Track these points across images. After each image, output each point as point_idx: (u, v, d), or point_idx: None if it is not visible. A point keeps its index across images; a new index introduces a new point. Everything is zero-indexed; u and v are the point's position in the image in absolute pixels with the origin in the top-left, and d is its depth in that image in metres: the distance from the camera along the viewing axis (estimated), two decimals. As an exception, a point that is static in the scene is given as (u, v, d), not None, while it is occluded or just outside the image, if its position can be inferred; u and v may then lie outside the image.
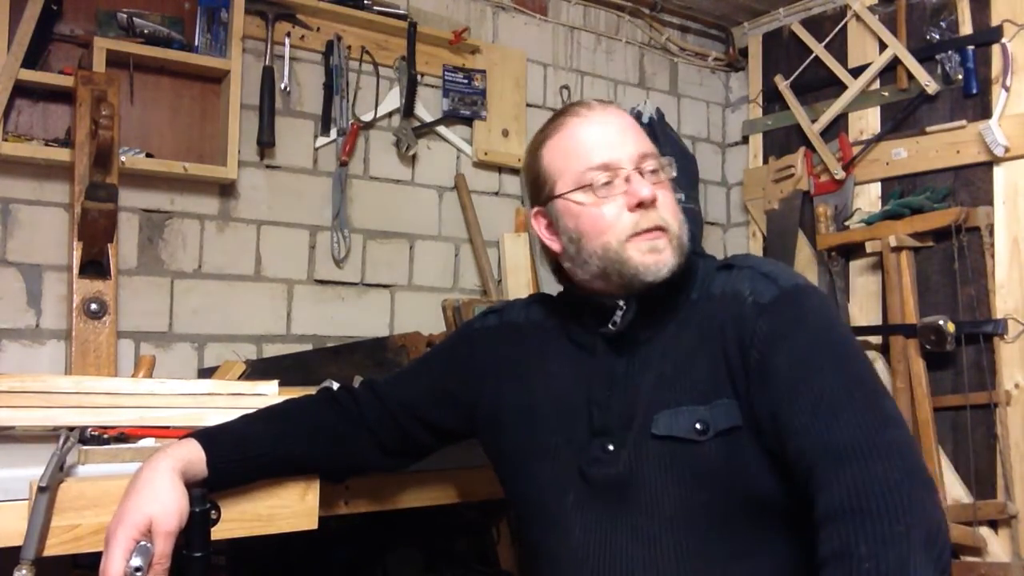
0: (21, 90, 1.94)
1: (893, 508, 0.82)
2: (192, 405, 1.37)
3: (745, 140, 3.21)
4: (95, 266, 1.89)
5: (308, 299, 2.36)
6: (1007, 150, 2.37)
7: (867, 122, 2.77)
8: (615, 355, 1.10)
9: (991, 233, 2.41)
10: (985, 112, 2.45)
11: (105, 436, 1.22)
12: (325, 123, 2.38)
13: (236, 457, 1.11)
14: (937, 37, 2.58)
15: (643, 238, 1.07)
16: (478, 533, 2.09)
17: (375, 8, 2.44)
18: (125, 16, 2.04)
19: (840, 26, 2.84)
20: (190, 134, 2.19)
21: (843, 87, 2.80)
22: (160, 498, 0.99)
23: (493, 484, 1.34)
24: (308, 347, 2.33)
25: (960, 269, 2.44)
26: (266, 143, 2.26)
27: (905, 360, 2.49)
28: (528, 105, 2.77)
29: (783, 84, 2.98)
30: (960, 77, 2.51)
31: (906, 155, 2.62)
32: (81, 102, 1.88)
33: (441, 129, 2.59)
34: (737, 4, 3.06)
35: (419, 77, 2.51)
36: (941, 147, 2.53)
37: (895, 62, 2.67)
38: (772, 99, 3.08)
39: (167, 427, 1.32)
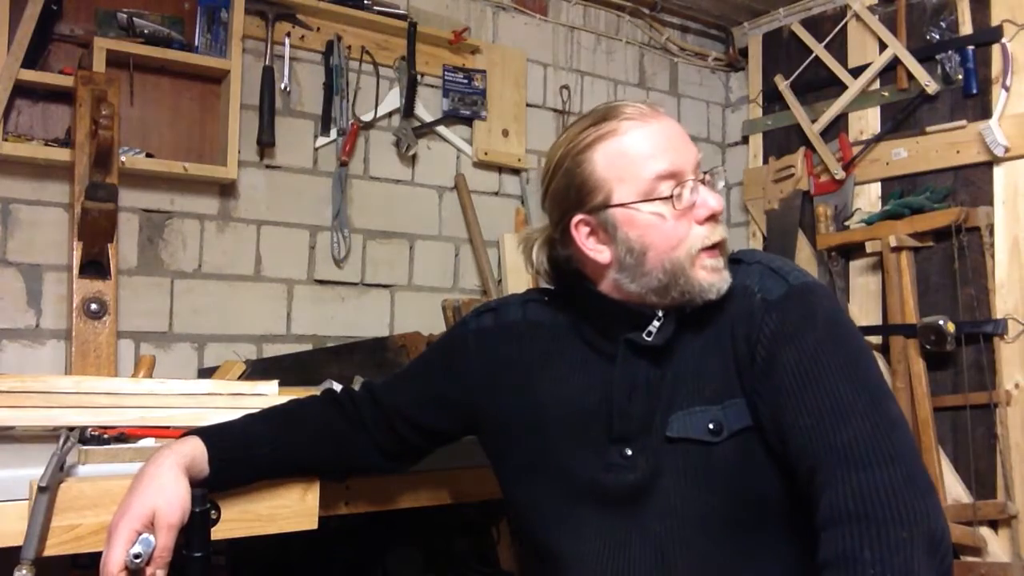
0: (21, 90, 1.94)
1: (897, 514, 0.82)
2: (192, 405, 1.37)
3: (745, 140, 3.21)
4: (95, 266, 1.89)
5: (308, 299, 2.36)
6: (1007, 150, 2.37)
7: (867, 122, 2.77)
8: (637, 361, 1.06)
9: (991, 233, 2.41)
10: (985, 112, 2.45)
11: (105, 436, 1.22)
12: (325, 123, 2.38)
13: (238, 456, 1.11)
14: (937, 37, 2.58)
15: (708, 255, 1.03)
16: (478, 533, 2.09)
17: (375, 8, 2.44)
18: (125, 16, 2.04)
19: (840, 26, 2.84)
20: (190, 134, 2.19)
21: (843, 87, 2.80)
22: (164, 491, 0.99)
23: (493, 484, 1.34)
24: (308, 347, 2.33)
25: (960, 269, 2.44)
26: (266, 143, 2.26)
27: (905, 360, 2.49)
28: (528, 105, 2.77)
29: (783, 84, 2.98)
30: (960, 77, 2.51)
31: (906, 155, 2.62)
32: (81, 102, 1.88)
33: (441, 129, 2.59)
34: (737, 4, 3.06)
35: (419, 77, 2.51)
36: (941, 147, 2.53)
37: (895, 62, 2.67)
38: (772, 99, 3.08)
39: (167, 427, 1.32)
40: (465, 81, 2.61)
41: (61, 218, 2.02)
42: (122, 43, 2.01)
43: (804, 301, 1.00)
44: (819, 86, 2.90)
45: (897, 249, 2.52)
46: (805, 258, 2.87)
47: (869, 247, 2.60)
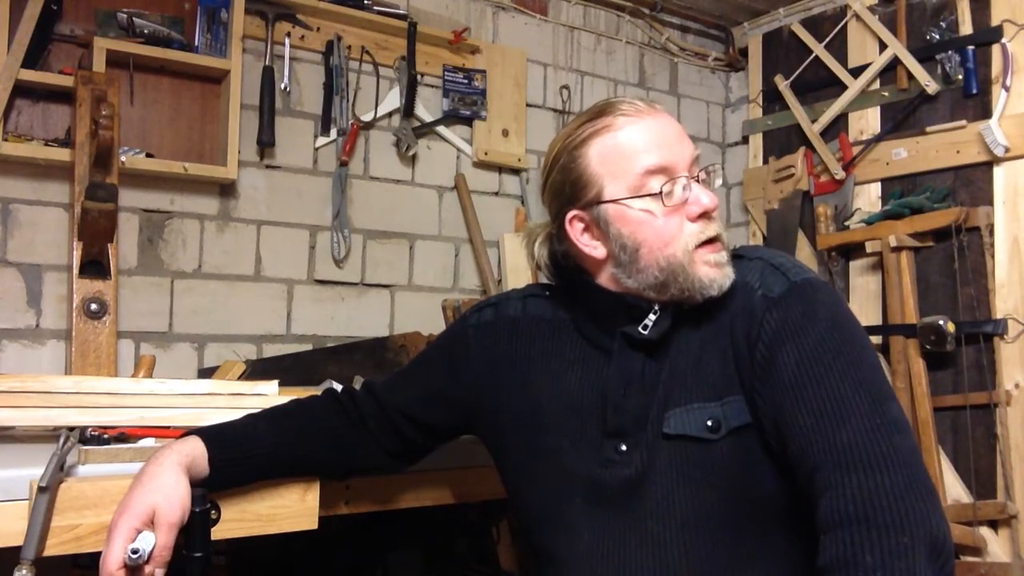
0: (21, 90, 1.94)
1: (899, 518, 0.81)
2: (192, 405, 1.37)
3: (745, 140, 3.21)
4: (95, 266, 1.89)
5: (308, 299, 2.36)
6: (1007, 150, 2.37)
7: (867, 122, 2.77)
8: (632, 355, 1.06)
9: (991, 233, 2.41)
10: (985, 112, 2.45)
11: (105, 436, 1.22)
12: (325, 123, 2.38)
13: (238, 456, 1.11)
14: (937, 37, 2.58)
15: (708, 249, 1.03)
16: (478, 533, 2.09)
17: (375, 8, 2.44)
18: (125, 16, 2.04)
19: (840, 26, 2.84)
20: (190, 134, 2.19)
21: (843, 87, 2.80)
22: (164, 490, 0.99)
23: (493, 484, 1.34)
24: (308, 347, 2.33)
25: (960, 269, 2.44)
26: (266, 143, 2.26)
27: (905, 360, 2.49)
28: (528, 105, 2.77)
29: (783, 84, 2.98)
30: (960, 77, 2.51)
31: (906, 155, 2.62)
32: (81, 102, 1.88)
33: (441, 129, 2.59)
34: (737, 4, 3.06)
35: (419, 77, 2.51)
36: (941, 147, 2.53)
37: (895, 62, 2.67)
38: (772, 99, 3.08)
39: (167, 427, 1.32)
40: (465, 81, 2.61)
41: (61, 218, 2.02)
42: (122, 43, 2.01)
43: (805, 298, 0.99)
44: (819, 86, 2.90)
45: (897, 249, 2.52)
46: (805, 258, 2.86)
47: (869, 247, 2.60)
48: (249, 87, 2.22)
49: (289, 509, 1.21)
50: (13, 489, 1.05)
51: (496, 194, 2.71)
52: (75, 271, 1.87)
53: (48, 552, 1.01)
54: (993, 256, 2.41)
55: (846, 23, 2.83)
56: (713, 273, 1.02)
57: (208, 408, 1.37)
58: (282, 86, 2.30)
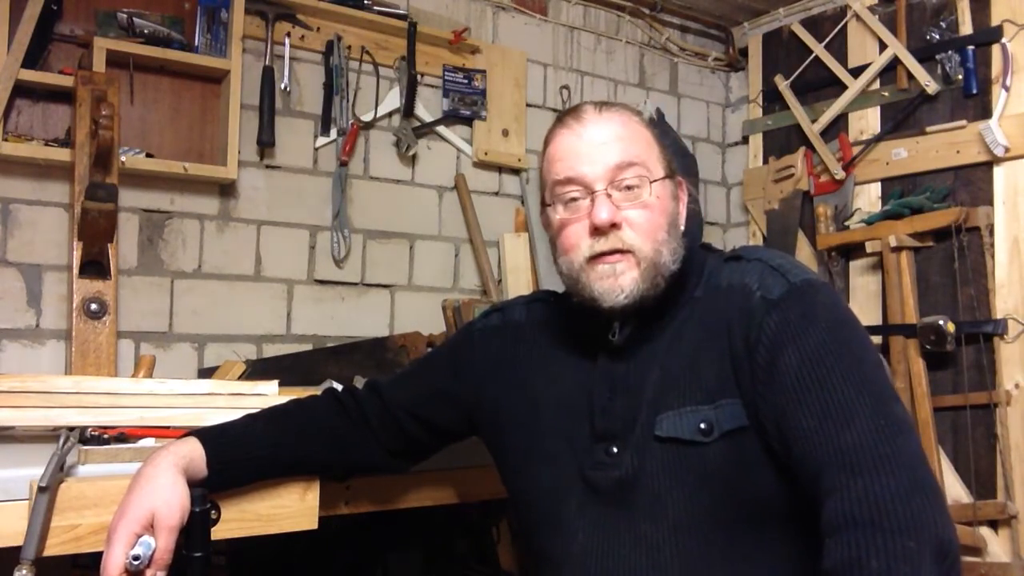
0: (21, 90, 1.94)
1: (905, 522, 0.81)
2: (192, 405, 1.37)
3: (745, 140, 3.21)
4: (95, 266, 1.89)
5: (308, 299, 2.36)
6: (1007, 150, 2.37)
7: (867, 122, 2.77)
8: (615, 359, 1.08)
9: (991, 233, 2.41)
10: (985, 112, 2.45)
11: (105, 436, 1.22)
12: (325, 123, 2.38)
13: (237, 457, 1.11)
14: (937, 37, 2.58)
15: (600, 262, 1.03)
16: (478, 533, 2.09)
17: (375, 8, 2.44)
18: (125, 16, 2.04)
19: (840, 26, 2.84)
20: (190, 134, 2.19)
21: (843, 87, 2.80)
22: (162, 493, 0.99)
23: (493, 484, 1.34)
24: (308, 347, 2.33)
25: (960, 269, 2.44)
26: (266, 143, 2.26)
27: (905, 360, 2.49)
28: (528, 105, 2.77)
29: (783, 84, 2.98)
30: (960, 77, 2.51)
31: (906, 155, 2.62)
32: (81, 102, 1.88)
33: (441, 129, 2.59)
34: (737, 4, 3.06)
35: (419, 77, 2.51)
36: (941, 147, 2.53)
37: (895, 62, 2.67)
38: (772, 99, 3.08)
39: (167, 427, 1.32)
40: (465, 81, 2.61)
41: (61, 218, 2.02)
42: (122, 43, 2.01)
43: (805, 299, 0.99)
44: (819, 86, 2.90)
45: (897, 249, 2.52)
46: (805, 258, 2.86)
47: (869, 247, 2.60)
48: (249, 87, 2.22)
49: (289, 509, 1.21)
50: (13, 489, 1.05)
51: (496, 194, 2.71)
52: (75, 271, 1.87)
53: (48, 552, 1.01)
54: (993, 256, 2.41)
55: (846, 23, 2.83)
56: (604, 285, 1.03)
57: (208, 408, 1.37)
58: (282, 86, 2.30)
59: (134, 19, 2.04)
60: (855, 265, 2.74)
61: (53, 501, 1.02)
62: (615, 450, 1.04)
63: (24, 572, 0.95)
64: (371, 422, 1.23)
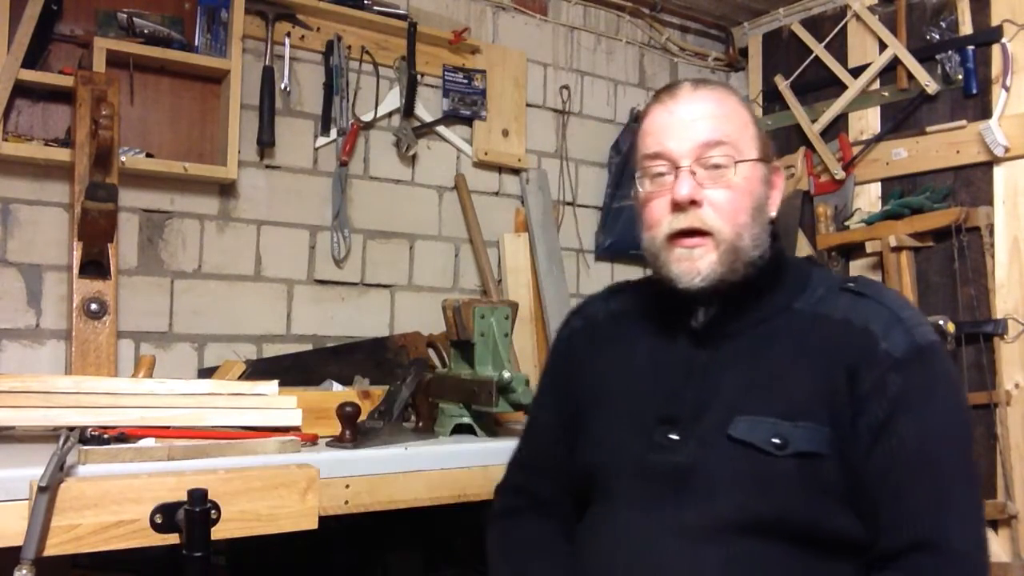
0: (21, 90, 1.94)
1: None
2: (192, 405, 1.37)
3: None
4: (95, 266, 1.89)
5: (308, 299, 2.36)
6: (1007, 150, 2.36)
7: (867, 122, 2.77)
8: (696, 347, 1.08)
9: (991, 233, 2.41)
10: (985, 112, 2.45)
11: (105, 436, 1.23)
12: (325, 123, 2.38)
13: None
14: (937, 37, 2.58)
15: (678, 242, 1.05)
16: (478, 533, 2.09)
17: (375, 8, 2.44)
18: (125, 16, 2.04)
19: (840, 26, 2.84)
20: (190, 134, 2.19)
21: (843, 87, 2.80)
22: None
23: (493, 484, 1.34)
24: (308, 347, 2.33)
25: (960, 269, 2.44)
26: (266, 143, 2.26)
27: (905, 360, 2.49)
28: (528, 105, 2.77)
29: (783, 84, 2.98)
30: (960, 77, 2.51)
31: (906, 155, 2.62)
32: (81, 102, 1.88)
33: (441, 129, 2.59)
34: (737, 4, 3.06)
35: (419, 77, 2.51)
36: (941, 147, 2.53)
37: (895, 62, 2.67)
38: (772, 99, 3.07)
39: (167, 427, 1.32)
40: (465, 81, 2.61)
41: (61, 218, 2.02)
42: (122, 43, 2.01)
43: (930, 367, 1.00)
44: (819, 86, 2.90)
45: (897, 249, 2.52)
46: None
47: (869, 247, 2.60)
48: (249, 87, 2.22)
49: (289, 509, 1.21)
50: (13, 489, 1.05)
51: (496, 194, 2.71)
52: (75, 271, 1.87)
53: (48, 552, 1.02)
54: (993, 256, 2.41)
55: (846, 23, 2.83)
56: (681, 267, 1.04)
57: (208, 408, 1.37)
58: (282, 86, 2.30)
59: (134, 19, 2.04)
60: (855, 265, 2.74)
61: (53, 501, 1.03)
62: (676, 436, 1.05)
63: (24, 572, 0.95)
64: (546, 498, 1.23)
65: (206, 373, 2.11)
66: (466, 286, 2.63)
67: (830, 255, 2.75)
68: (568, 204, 2.84)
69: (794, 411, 0.99)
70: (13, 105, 1.94)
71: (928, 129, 2.57)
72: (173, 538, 1.11)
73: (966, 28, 2.51)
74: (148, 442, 1.24)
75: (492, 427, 1.66)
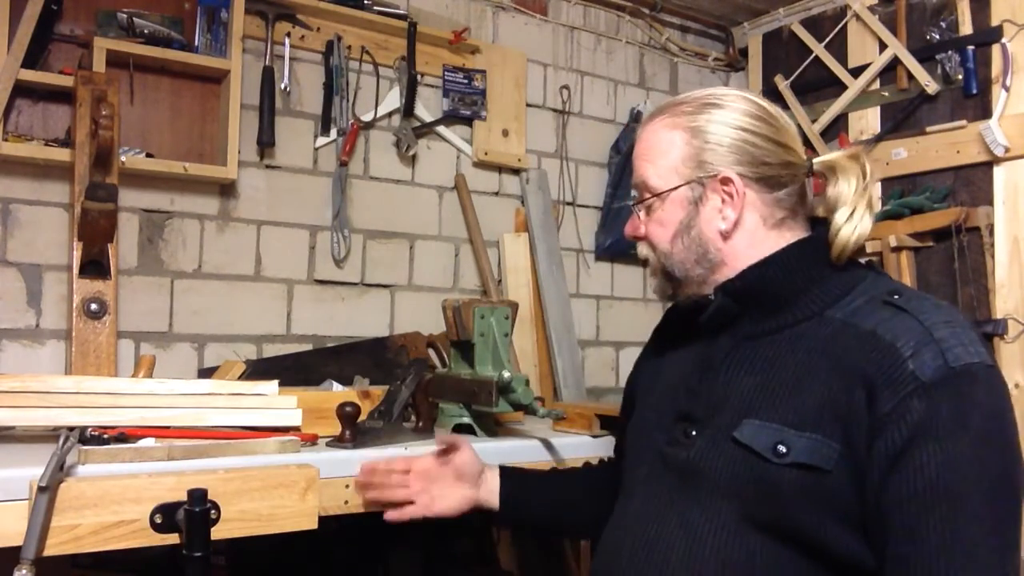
0: (21, 90, 1.94)
1: None
2: (192, 405, 1.37)
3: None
4: (95, 266, 1.89)
5: (308, 299, 2.36)
6: (1007, 150, 2.36)
7: (867, 122, 2.77)
8: (715, 344, 1.10)
9: (991, 233, 2.41)
10: (985, 112, 2.45)
11: (105, 436, 1.23)
12: (325, 123, 2.38)
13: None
14: (937, 37, 2.58)
15: None
16: (478, 533, 2.09)
17: (375, 8, 2.44)
18: (125, 16, 2.04)
19: (840, 26, 2.84)
20: (190, 134, 2.19)
21: (843, 87, 2.80)
22: None
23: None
24: (308, 347, 2.33)
25: (960, 269, 2.44)
26: (266, 143, 2.26)
27: (905, 360, 2.49)
28: (528, 105, 2.77)
29: (783, 84, 2.98)
30: (960, 77, 2.51)
31: (906, 155, 2.62)
32: (81, 102, 1.88)
33: (441, 129, 2.59)
34: (737, 4, 3.06)
35: (419, 77, 2.51)
36: (941, 147, 2.53)
37: (895, 62, 2.67)
38: (772, 99, 3.00)
39: (167, 427, 1.32)
40: (465, 81, 2.61)
41: (61, 218, 2.02)
42: (122, 43, 2.01)
43: (960, 394, 0.90)
44: (819, 86, 2.90)
45: (897, 249, 2.52)
46: (805, 258, 2.87)
47: (869, 247, 2.60)
48: (249, 87, 2.22)
49: (289, 509, 1.21)
50: (13, 489, 1.05)
51: (496, 194, 2.71)
52: (75, 271, 1.87)
53: (48, 552, 1.02)
54: (993, 256, 2.41)
55: (846, 23, 2.83)
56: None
57: (208, 408, 1.37)
58: (282, 86, 2.30)
59: (134, 19, 2.04)
60: (855, 265, 2.73)
61: (53, 501, 1.02)
62: (693, 433, 1.06)
63: (24, 572, 0.95)
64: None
65: (206, 373, 2.11)
66: (466, 286, 2.63)
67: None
68: (568, 204, 2.84)
69: (803, 421, 0.96)
70: (13, 105, 1.94)
71: (928, 129, 2.57)
72: (173, 538, 1.11)
73: (966, 28, 2.51)
74: (148, 442, 1.24)
75: (492, 427, 1.66)
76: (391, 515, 1.32)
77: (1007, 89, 2.39)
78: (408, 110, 2.49)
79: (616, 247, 2.85)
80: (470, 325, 1.64)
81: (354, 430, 1.44)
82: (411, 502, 1.32)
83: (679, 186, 1.11)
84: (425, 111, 2.55)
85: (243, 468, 1.24)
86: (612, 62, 3.01)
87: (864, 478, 0.92)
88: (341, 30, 2.40)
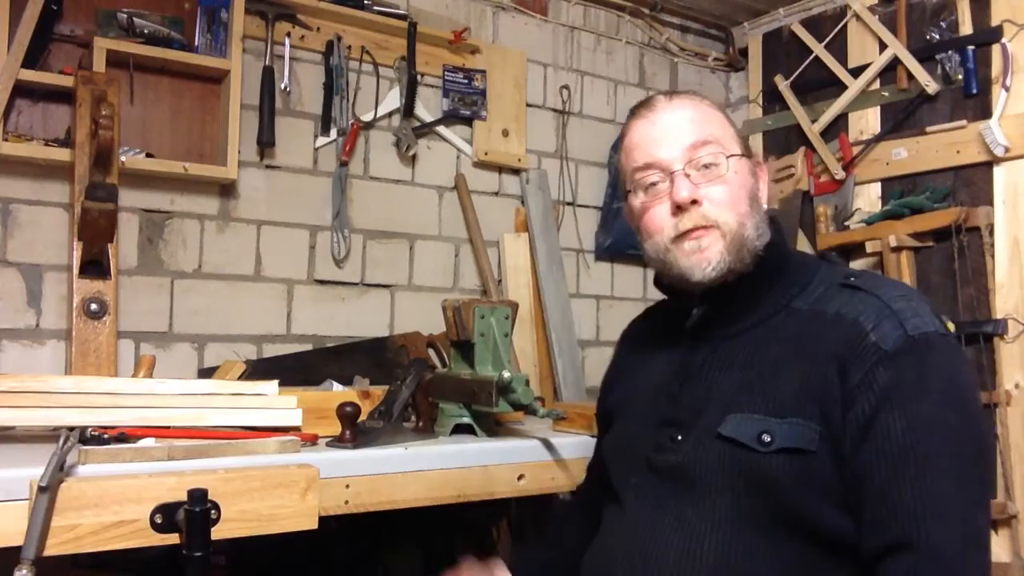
0: (21, 90, 1.94)
1: None
2: (192, 405, 1.37)
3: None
4: (95, 266, 1.89)
5: (308, 299, 2.36)
6: (1007, 150, 2.36)
7: (867, 122, 2.77)
8: (693, 349, 1.11)
9: (991, 233, 2.41)
10: (985, 112, 2.45)
11: (105, 436, 1.23)
12: (325, 123, 2.38)
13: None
14: (937, 37, 2.58)
15: (685, 239, 1.07)
16: (478, 533, 2.09)
17: (375, 8, 2.44)
18: (125, 16, 2.04)
19: (840, 26, 2.84)
20: (190, 134, 2.19)
21: (843, 87, 2.80)
22: None
23: (494, 484, 1.34)
24: (308, 347, 2.33)
25: (960, 269, 2.44)
26: (266, 143, 2.26)
27: (905, 360, 2.49)
28: (528, 105, 2.77)
29: (783, 84, 2.98)
30: (960, 77, 2.51)
31: (906, 155, 2.62)
32: (81, 102, 1.88)
33: (441, 129, 2.59)
34: (737, 4, 3.06)
35: (419, 77, 2.51)
36: (941, 147, 2.53)
37: (895, 62, 2.67)
38: (772, 99, 3.07)
39: (167, 427, 1.32)
40: (465, 81, 2.61)
41: (61, 218, 2.02)
42: (122, 43, 2.01)
43: (921, 358, 0.95)
44: (819, 86, 2.90)
45: (897, 249, 2.52)
46: (805, 258, 2.87)
47: (869, 247, 2.60)
48: (249, 87, 2.22)
49: (289, 509, 1.21)
50: (13, 489, 1.05)
51: (496, 194, 2.71)
52: (75, 271, 1.87)
53: (48, 552, 1.02)
54: (993, 256, 2.41)
55: (846, 23, 2.83)
56: (691, 260, 1.07)
57: (208, 408, 1.37)
58: (282, 86, 2.30)
59: (134, 19, 2.04)
60: (855, 265, 2.73)
61: (53, 501, 1.03)
62: (679, 437, 1.07)
63: (24, 572, 0.95)
64: (589, 501, 1.35)
65: (206, 373, 2.11)
66: (466, 286, 2.63)
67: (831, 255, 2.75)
68: (568, 204, 2.84)
69: (783, 408, 0.99)
70: (13, 105, 1.94)
71: (928, 129, 2.56)
72: (173, 538, 1.11)
73: (966, 28, 2.51)
74: (148, 442, 1.24)
75: (492, 427, 1.66)
76: None
77: (1007, 89, 2.39)
78: (408, 110, 2.49)
79: (616, 247, 2.85)
80: (470, 325, 1.64)
81: (354, 430, 1.44)
82: None
83: (744, 154, 1.13)
84: (425, 111, 2.55)
85: (243, 468, 1.24)
86: (612, 62, 3.01)
87: (841, 451, 0.95)
88: (341, 30, 2.40)
